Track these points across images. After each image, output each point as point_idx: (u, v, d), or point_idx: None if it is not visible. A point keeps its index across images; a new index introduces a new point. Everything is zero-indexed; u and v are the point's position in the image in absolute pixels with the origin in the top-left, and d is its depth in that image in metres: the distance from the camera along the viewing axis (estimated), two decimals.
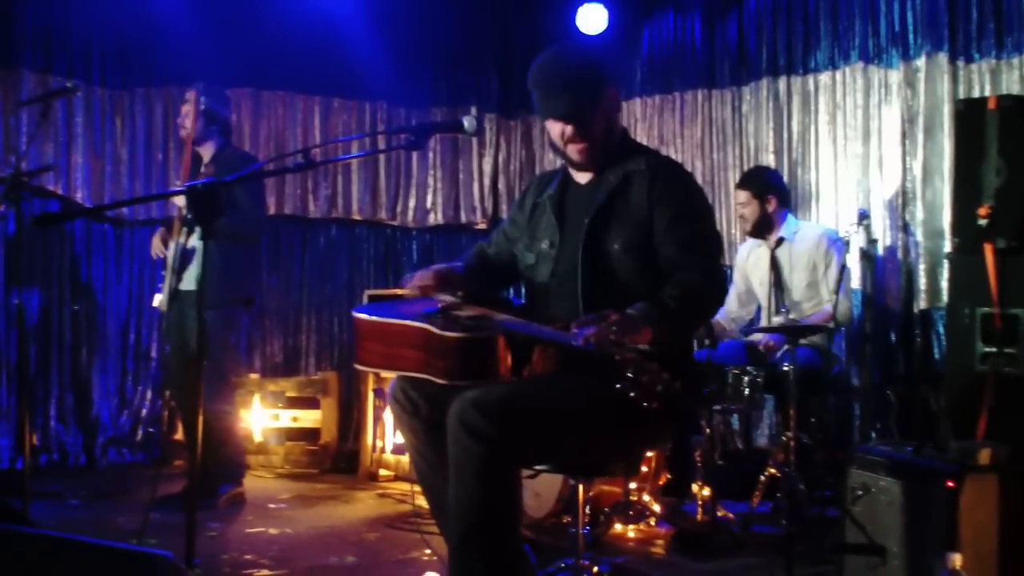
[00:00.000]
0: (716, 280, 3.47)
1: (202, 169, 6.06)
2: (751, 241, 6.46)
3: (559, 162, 3.81)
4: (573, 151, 3.57)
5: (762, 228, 6.20)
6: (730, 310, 6.47)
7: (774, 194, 6.21)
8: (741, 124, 7.60)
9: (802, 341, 5.67)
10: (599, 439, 3.35)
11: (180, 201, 5.96)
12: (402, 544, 5.33)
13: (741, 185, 6.33)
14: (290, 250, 8.45)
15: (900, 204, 6.49)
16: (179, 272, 5.96)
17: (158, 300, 6.22)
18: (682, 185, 3.56)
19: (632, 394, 2.86)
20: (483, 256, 3.95)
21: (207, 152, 6.12)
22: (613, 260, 3.49)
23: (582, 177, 3.69)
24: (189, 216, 5.82)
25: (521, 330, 3.26)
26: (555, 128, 3.55)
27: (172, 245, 5.99)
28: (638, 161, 3.56)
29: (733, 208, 7.57)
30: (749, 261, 6.41)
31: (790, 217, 6.25)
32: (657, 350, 3.03)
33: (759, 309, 6.47)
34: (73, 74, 7.42)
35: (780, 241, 6.19)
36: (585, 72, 3.49)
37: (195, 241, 5.94)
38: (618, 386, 2.87)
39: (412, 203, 8.69)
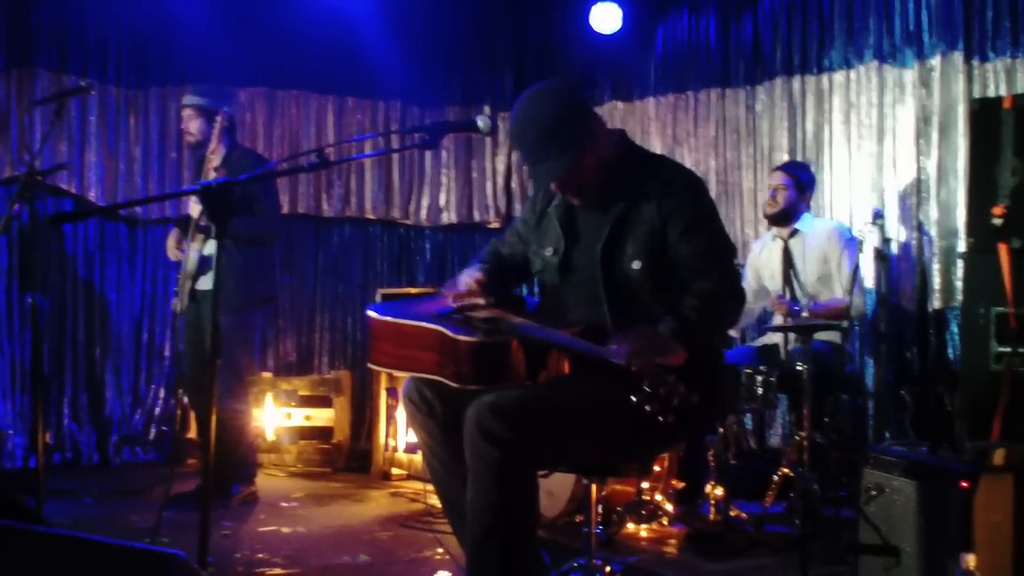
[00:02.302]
0: (733, 285, 3.49)
1: (212, 173, 6.04)
2: (765, 235, 6.48)
3: None
4: (569, 199, 3.58)
5: (787, 217, 6.19)
6: None
7: (810, 191, 6.30)
8: (755, 123, 7.58)
9: (815, 335, 5.65)
10: (614, 443, 3.35)
11: (195, 208, 5.97)
12: (415, 543, 5.33)
13: (786, 170, 6.31)
14: (304, 249, 8.47)
15: (914, 203, 6.47)
16: (196, 277, 5.99)
17: (175, 304, 6.23)
18: (692, 196, 3.51)
19: (648, 408, 2.86)
20: (498, 255, 3.92)
21: (216, 156, 6.11)
22: (632, 279, 3.46)
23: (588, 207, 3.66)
24: (203, 224, 5.89)
25: (538, 335, 3.25)
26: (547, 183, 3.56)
27: (189, 251, 6.00)
28: (643, 181, 3.51)
29: (746, 207, 7.57)
30: (761, 256, 6.40)
31: (807, 214, 6.25)
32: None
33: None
34: (88, 73, 7.46)
35: (794, 233, 6.18)
36: (559, 132, 3.38)
37: (210, 247, 5.95)
38: (634, 399, 2.87)
39: (425, 202, 8.69)
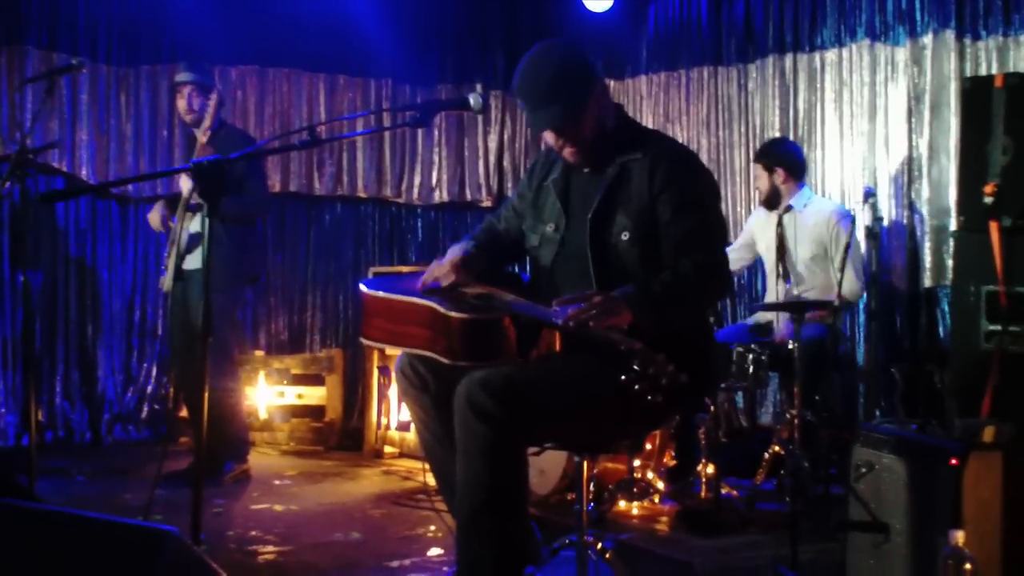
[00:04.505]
0: (712, 274, 3.42)
1: (197, 150, 6.02)
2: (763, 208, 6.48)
3: None
4: (567, 155, 3.55)
5: (773, 200, 6.18)
6: None
7: (782, 166, 6.16)
8: (747, 101, 7.57)
9: (808, 317, 5.65)
10: (605, 420, 3.35)
11: (185, 186, 5.96)
12: (407, 520, 5.35)
13: (758, 159, 6.32)
14: (295, 228, 8.45)
15: (906, 182, 6.48)
16: (184, 255, 5.97)
17: (163, 282, 6.22)
18: (684, 171, 3.49)
19: (637, 387, 2.87)
20: (493, 231, 3.90)
21: (204, 132, 6.09)
22: (621, 252, 3.44)
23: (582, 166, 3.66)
24: (193, 203, 5.87)
25: (526, 312, 3.25)
26: (546, 135, 3.54)
27: (177, 228, 5.98)
28: (635, 150, 3.49)
29: (739, 185, 7.59)
30: (759, 224, 6.38)
31: (805, 189, 6.20)
32: (641, 333, 3.04)
33: (763, 278, 6.47)
34: (78, 51, 7.41)
35: (787, 209, 6.15)
36: (566, 80, 3.39)
37: (197, 224, 5.94)
38: (623, 378, 2.88)
39: (417, 180, 8.67)
